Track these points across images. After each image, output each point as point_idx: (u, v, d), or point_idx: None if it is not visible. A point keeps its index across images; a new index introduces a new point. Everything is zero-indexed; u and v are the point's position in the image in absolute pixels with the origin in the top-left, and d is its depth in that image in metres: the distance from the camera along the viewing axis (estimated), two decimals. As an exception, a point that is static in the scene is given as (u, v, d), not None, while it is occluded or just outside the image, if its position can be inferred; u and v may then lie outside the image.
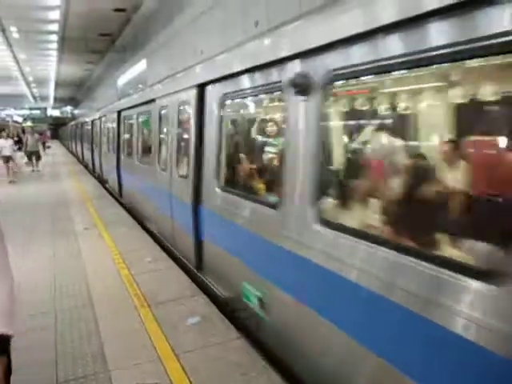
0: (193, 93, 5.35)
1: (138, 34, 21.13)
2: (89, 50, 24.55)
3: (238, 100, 4.99)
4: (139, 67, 22.03)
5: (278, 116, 4.98)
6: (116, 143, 11.40)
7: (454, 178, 2.98)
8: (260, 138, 5.30)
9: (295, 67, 3.14)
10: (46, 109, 69.82)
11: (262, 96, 4.63)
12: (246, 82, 4.10)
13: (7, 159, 15.44)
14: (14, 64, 31.06)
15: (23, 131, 41.54)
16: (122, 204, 10.68)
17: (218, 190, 4.68)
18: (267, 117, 5.41)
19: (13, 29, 20.88)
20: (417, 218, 2.82)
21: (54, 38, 22.90)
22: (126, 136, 10.66)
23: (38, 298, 4.79)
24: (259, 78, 3.81)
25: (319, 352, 2.99)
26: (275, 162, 4.45)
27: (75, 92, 53.41)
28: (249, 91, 4.17)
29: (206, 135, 5.05)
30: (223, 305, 4.49)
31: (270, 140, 4.92)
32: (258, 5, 9.77)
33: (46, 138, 50.55)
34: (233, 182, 4.84)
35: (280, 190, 3.41)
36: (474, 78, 2.96)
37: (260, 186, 4.59)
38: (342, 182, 3.65)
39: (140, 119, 9.25)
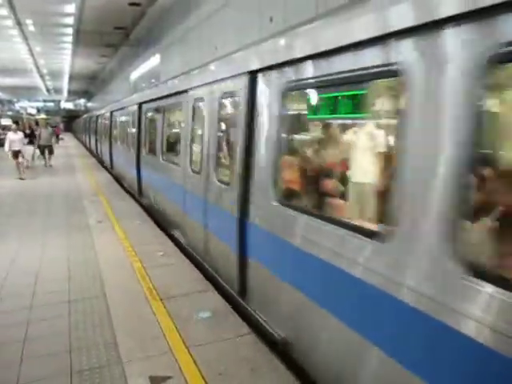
0: (242, 81, 4.24)
1: (153, 28, 21.21)
2: (103, 43, 24.73)
3: (309, 90, 4.10)
4: (153, 62, 22.13)
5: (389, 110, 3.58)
6: (136, 139, 10.52)
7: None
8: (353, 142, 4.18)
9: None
10: (59, 101, 70.56)
11: (361, 84, 3.54)
12: (326, 66, 3.04)
13: (17, 154, 14.41)
14: (29, 57, 31.43)
15: (36, 123, 41.68)
16: (134, 198, 10.77)
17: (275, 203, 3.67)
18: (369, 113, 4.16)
19: (29, 22, 21.14)
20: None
21: (69, 31, 23.13)
22: (149, 131, 9.75)
23: (52, 289, 4.87)
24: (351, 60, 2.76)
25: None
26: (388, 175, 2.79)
27: (88, 85, 53.87)
28: (334, 77, 2.98)
29: (261, 135, 3.95)
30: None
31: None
32: (273, 2, 9.77)
33: (59, 131, 51.27)
34: (297, 195, 3.93)
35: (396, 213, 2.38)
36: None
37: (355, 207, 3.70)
38: None
39: (167, 113, 8.37)
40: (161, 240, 6.93)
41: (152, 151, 9.07)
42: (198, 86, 5.93)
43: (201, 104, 5.86)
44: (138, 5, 18.26)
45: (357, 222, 2.99)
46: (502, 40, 1.83)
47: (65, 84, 51.75)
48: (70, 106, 74.02)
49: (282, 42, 3.75)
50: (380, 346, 2.46)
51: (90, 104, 65.74)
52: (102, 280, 5.12)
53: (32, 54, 30.75)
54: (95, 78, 46.49)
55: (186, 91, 6.47)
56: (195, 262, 5.84)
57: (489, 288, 1.85)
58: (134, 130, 10.99)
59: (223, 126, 5.29)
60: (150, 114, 9.71)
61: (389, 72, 2.47)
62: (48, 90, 59.32)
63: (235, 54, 4.96)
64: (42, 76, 44.60)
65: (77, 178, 14.53)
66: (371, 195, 3.55)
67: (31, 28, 22.22)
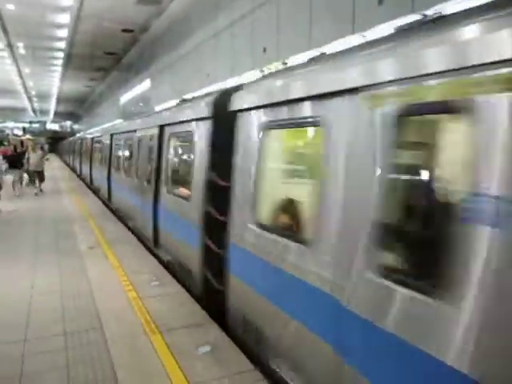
0: (156, 130, 7.83)
1: (144, 54, 21.45)
2: (93, 67, 24.92)
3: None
4: (143, 86, 22.29)
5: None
6: (154, 171, 7.98)
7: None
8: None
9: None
10: (45, 122, 70.07)
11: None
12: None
13: None
14: (18, 78, 31.39)
15: (22, 144, 40.88)
16: (124, 222, 10.65)
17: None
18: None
19: (20, 44, 21.22)
20: None
21: (60, 54, 23.25)
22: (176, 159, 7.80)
23: (46, 320, 4.75)
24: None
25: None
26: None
27: (76, 107, 53.84)
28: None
29: (165, 159, 7.44)
30: None
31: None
32: (267, 31, 10.02)
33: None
34: None
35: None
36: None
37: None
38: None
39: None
40: (154, 267, 6.84)
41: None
42: (139, 129, 9.23)
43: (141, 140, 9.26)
44: (130, 31, 18.52)
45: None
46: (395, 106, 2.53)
47: (52, 106, 51.64)
48: (55, 127, 73.54)
49: (170, 113, 7.84)
50: (295, 316, 3.47)
51: (76, 126, 65.55)
52: (98, 311, 5.01)
53: (21, 76, 30.73)
54: (83, 100, 46.49)
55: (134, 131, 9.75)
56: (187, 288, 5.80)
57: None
58: (149, 159, 8.57)
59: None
60: (175, 141, 7.71)
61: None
62: (34, 111, 59.04)
63: (155, 114, 8.85)
64: (29, 97, 44.47)
65: (65, 202, 14.33)
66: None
67: (22, 51, 22.28)
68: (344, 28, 7.43)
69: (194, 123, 6.21)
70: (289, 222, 4.23)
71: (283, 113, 3.83)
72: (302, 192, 4.20)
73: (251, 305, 4.26)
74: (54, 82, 32.97)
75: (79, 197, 15.87)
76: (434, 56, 2.28)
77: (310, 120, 3.53)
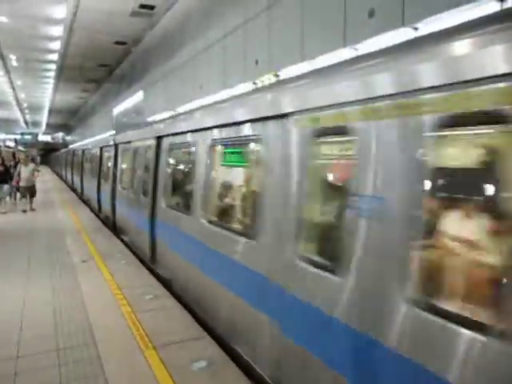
0: (154, 140, 8.01)
1: (137, 65, 21.50)
2: (86, 79, 24.92)
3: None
4: (136, 98, 22.30)
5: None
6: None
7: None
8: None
9: None
10: (37, 134, 69.71)
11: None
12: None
13: None
14: (10, 90, 31.26)
15: (13, 156, 40.45)
16: (117, 235, 10.59)
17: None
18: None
19: (12, 56, 21.17)
20: None
21: (53, 66, 23.24)
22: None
23: (39, 335, 4.68)
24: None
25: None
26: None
27: (68, 119, 53.68)
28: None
29: (162, 168, 7.73)
30: None
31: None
32: (259, 44, 10.11)
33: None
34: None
35: None
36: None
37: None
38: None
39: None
40: (148, 281, 6.80)
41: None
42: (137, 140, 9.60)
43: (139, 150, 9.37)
44: (123, 44, 18.58)
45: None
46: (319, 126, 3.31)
47: (44, 117, 51.45)
48: (47, 138, 73.16)
49: (164, 125, 7.94)
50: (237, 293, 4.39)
51: (68, 137, 65.26)
52: (91, 326, 4.96)
53: (13, 88, 30.62)
54: (75, 112, 46.38)
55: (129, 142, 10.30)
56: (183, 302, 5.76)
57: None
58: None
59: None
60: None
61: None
62: (26, 123, 58.77)
63: (153, 125, 9.07)
64: (21, 109, 44.28)
65: (58, 215, 14.21)
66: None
67: (14, 63, 22.25)
68: (335, 41, 7.52)
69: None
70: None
71: (227, 132, 5.02)
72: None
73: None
74: (47, 93, 32.91)
75: (71, 208, 15.75)
76: (325, 94, 3.22)
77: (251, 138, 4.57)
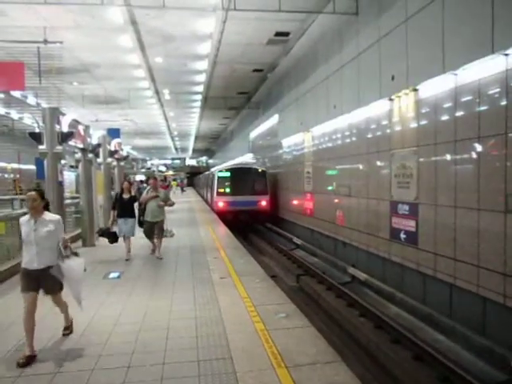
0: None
1: (272, 91, 22.49)
2: (227, 106, 26.83)
3: None
4: (271, 121, 23.26)
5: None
6: None
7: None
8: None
9: None
10: (184, 159, 77.42)
11: None
12: None
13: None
14: (163, 121, 35.30)
15: (165, 179, 44.05)
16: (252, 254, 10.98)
17: None
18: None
19: (165, 91, 23.88)
20: None
21: (199, 97, 25.55)
22: None
23: (183, 345, 5.05)
24: None
25: None
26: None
27: (210, 144, 58.53)
28: None
29: None
30: None
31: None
32: (395, 58, 9.72)
33: (183, 185, 57.37)
34: None
35: None
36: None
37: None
38: None
39: None
40: (281, 300, 6.87)
41: None
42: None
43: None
44: (260, 71, 19.67)
45: None
46: None
47: (191, 143, 56.88)
48: (193, 162, 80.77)
49: None
50: None
51: (211, 161, 71.21)
52: (228, 341, 5.16)
53: (166, 119, 34.52)
54: (217, 137, 50.43)
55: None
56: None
57: None
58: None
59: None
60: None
61: None
62: (176, 149, 65.69)
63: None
64: (172, 137, 49.66)
65: (200, 233, 15.38)
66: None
67: (167, 96, 25.11)
68: (483, 47, 6.85)
69: None
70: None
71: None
72: None
73: None
74: (193, 121, 36.33)
75: (210, 226, 16.93)
76: None
77: None
